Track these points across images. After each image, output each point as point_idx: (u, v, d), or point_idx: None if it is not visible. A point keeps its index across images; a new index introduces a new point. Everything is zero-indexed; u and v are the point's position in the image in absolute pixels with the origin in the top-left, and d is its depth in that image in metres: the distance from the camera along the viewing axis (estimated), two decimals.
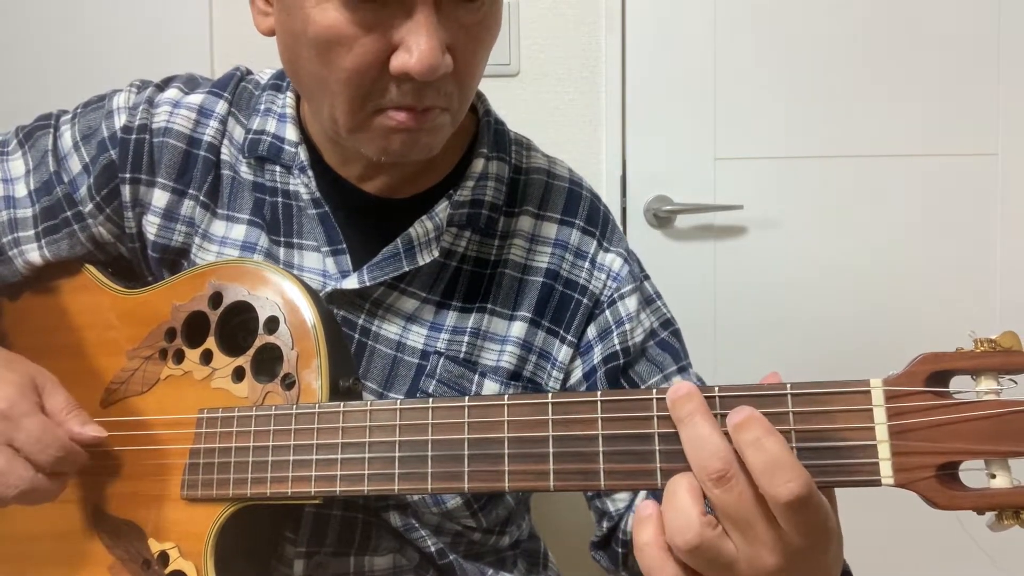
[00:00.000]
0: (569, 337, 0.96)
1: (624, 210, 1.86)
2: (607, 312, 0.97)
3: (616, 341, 0.96)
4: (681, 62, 1.86)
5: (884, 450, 0.60)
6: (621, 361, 0.96)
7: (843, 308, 1.88)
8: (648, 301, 1.01)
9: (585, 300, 0.97)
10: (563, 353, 0.96)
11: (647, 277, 1.03)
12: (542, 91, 1.86)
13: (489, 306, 0.95)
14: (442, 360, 0.93)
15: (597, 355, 0.96)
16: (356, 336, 0.92)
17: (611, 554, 0.99)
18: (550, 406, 0.69)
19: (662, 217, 1.86)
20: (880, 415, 0.61)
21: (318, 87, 0.82)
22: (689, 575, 0.62)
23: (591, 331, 0.97)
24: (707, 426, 0.62)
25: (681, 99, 1.87)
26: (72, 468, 0.83)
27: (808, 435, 0.62)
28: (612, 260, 0.99)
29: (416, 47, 0.75)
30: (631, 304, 0.98)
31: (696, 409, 0.63)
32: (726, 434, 0.61)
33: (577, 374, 0.97)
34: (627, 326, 0.97)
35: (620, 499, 0.96)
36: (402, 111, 0.80)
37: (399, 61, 0.76)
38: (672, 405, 0.64)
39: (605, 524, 0.98)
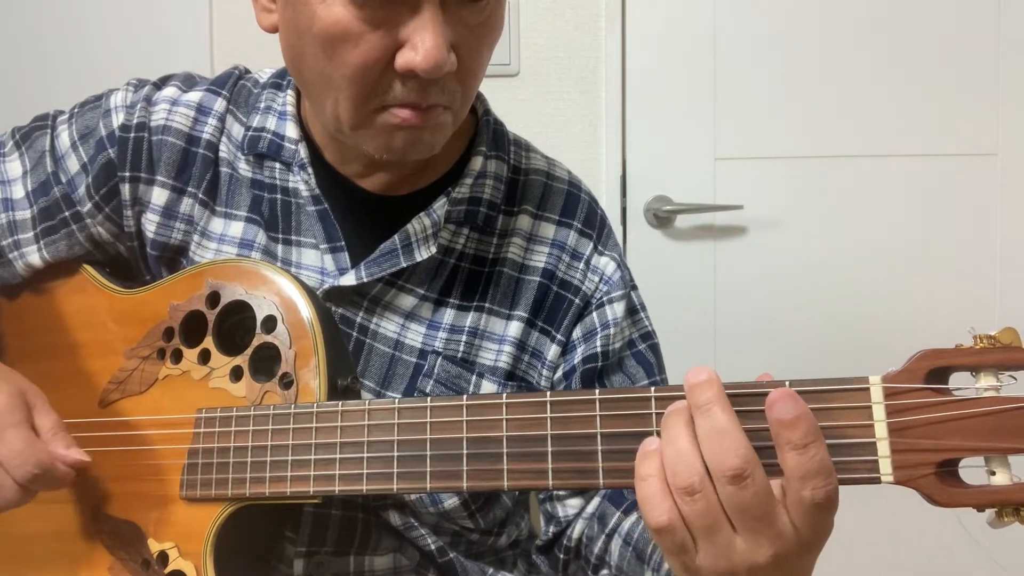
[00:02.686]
0: (559, 336, 0.97)
1: (624, 210, 1.86)
2: (594, 314, 0.98)
3: (598, 344, 0.96)
4: (681, 62, 1.86)
5: (883, 447, 0.60)
6: (599, 364, 0.96)
7: (843, 308, 1.88)
8: (632, 311, 1.02)
9: (577, 300, 0.97)
10: (552, 352, 0.97)
11: (635, 287, 1.04)
12: (542, 91, 1.86)
13: (487, 305, 0.95)
14: (440, 360, 0.93)
15: (578, 355, 0.97)
16: (354, 334, 0.92)
17: (552, 560, 1.00)
18: (548, 404, 0.69)
19: (662, 217, 1.86)
20: (879, 412, 0.61)
21: (322, 83, 0.82)
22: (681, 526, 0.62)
23: (577, 331, 0.97)
24: (726, 418, 0.61)
25: (681, 99, 1.87)
26: (47, 487, 0.82)
27: None
28: (606, 263, 0.99)
29: (422, 44, 0.75)
30: (618, 309, 0.98)
31: (715, 398, 0.61)
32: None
33: (558, 372, 0.98)
34: (611, 330, 0.97)
35: (571, 505, 0.97)
36: (406, 108, 0.80)
37: (405, 58, 0.76)
38: (690, 390, 0.63)
39: (552, 529, 0.98)
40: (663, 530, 0.62)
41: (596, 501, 0.96)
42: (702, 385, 0.62)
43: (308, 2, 0.78)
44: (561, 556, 0.98)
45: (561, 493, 0.97)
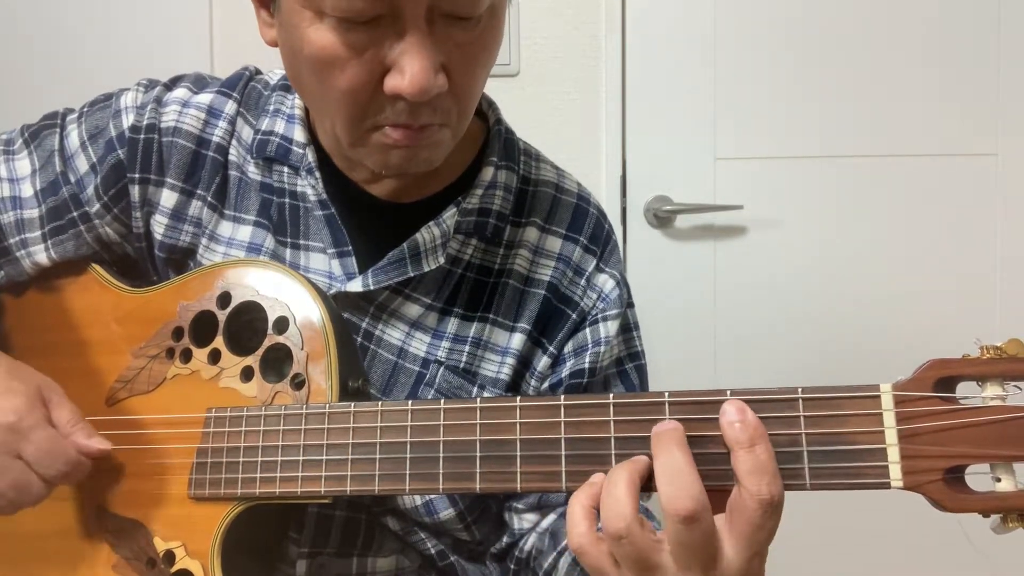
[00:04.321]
0: (551, 349, 0.96)
1: (624, 210, 1.87)
2: (587, 330, 0.97)
3: (587, 360, 0.96)
4: (681, 62, 1.87)
5: (893, 453, 0.62)
6: (584, 380, 0.96)
7: (843, 308, 1.89)
8: (625, 329, 1.01)
9: (573, 315, 0.96)
10: (543, 363, 0.96)
11: (631, 305, 1.03)
12: (542, 91, 1.86)
13: (491, 316, 0.95)
14: (442, 370, 0.93)
15: (566, 369, 0.96)
16: (359, 340, 0.92)
17: (503, 568, 1.01)
18: (562, 408, 0.70)
19: (662, 217, 1.86)
20: (889, 419, 0.62)
21: (318, 102, 0.83)
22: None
23: (569, 345, 0.97)
24: (684, 458, 0.64)
25: (681, 99, 1.87)
26: (74, 482, 0.84)
27: (818, 439, 0.63)
28: (605, 281, 0.98)
29: (408, 68, 0.74)
30: (612, 328, 0.97)
31: (676, 438, 0.65)
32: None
33: (546, 383, 0.97)
34: (602, 348, 0.96)
35: (527, 519, 0.98)
36: (399, 129, 0.80)
37: (392, 82, 0.76)
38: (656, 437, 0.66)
39: (505, 539, 0.99)
40: (577, 553, 0.67)
41: (551, 518, 0.97)
42: (668, 432, 0.66)
43: (298, 25, 0.77)
44: (512, 567, 0.98)
45: (519, 506, 0.98)
